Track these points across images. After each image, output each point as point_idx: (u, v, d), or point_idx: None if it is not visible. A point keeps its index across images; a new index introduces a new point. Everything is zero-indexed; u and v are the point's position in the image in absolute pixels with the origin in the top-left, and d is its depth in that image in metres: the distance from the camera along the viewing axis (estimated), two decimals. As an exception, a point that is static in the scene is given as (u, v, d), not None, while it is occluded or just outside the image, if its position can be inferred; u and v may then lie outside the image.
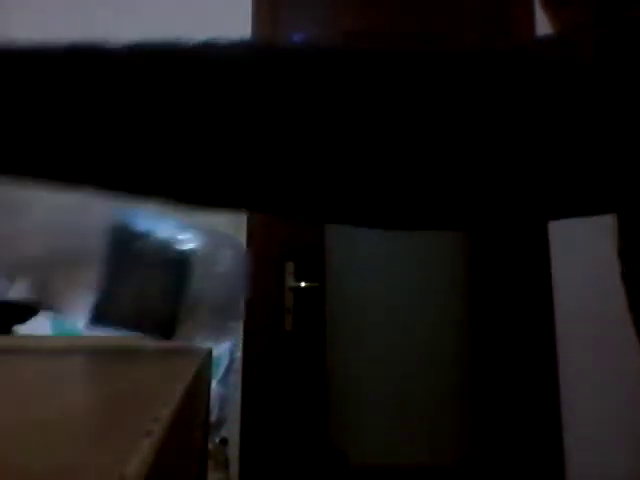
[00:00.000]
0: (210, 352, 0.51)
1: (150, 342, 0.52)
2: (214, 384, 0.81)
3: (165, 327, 0.50)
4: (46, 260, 0.56)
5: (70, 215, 0.57)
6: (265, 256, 1.82)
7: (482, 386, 1.87)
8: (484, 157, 0.30)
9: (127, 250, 0.56)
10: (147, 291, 0.54)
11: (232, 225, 1.83)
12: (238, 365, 1.72)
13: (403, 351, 1.88)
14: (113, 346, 0.47)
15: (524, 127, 0.29)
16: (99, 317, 0.50)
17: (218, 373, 0.84)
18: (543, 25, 2.16)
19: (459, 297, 1.92)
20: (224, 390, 0.84)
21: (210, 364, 0.54)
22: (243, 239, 1.83)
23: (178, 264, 0.57)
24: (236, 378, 1.71)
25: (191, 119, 0.29)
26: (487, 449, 1.84)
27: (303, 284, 1.83)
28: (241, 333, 1.75)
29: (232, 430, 1.65)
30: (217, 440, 0.84)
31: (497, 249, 1.93)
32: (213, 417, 0.80)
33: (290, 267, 1.84)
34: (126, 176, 0.31)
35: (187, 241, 0.58)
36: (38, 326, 0.87)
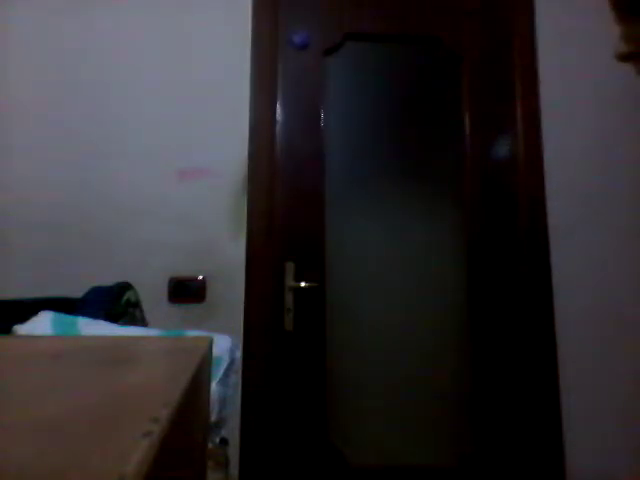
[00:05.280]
0: (210, 351, 0.51)
1: (150, 342, 0.52)
2: (214, 384, 0.81)
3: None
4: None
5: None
6: (265, 256, 1.82)
7: (482, 386, 1.87)
8: None
9: None
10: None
11: (233, 226, 1.84)
12: (238, 365, 1.72)
13: (403, 351, 1.88)
14: (113, 346, 0.47)
15: None
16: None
17: (218, 373, 0.83)
18: (543, 25, 2.17)
19: (459, 298, 1.92)
20: (224, 390, 0.84)
21: (210, 364, 0.54)
22: (243, 239, 1.83)
23: None
24: (236, 378, 1.71)
25: None
26: (488, 450, 1.84)
27: (303, 284, 1.83)
28: (241, 333, 1.76)
29: (232, 430, 1.65)
30: (217, 440, 0.84)
31: (497, 250, 1.93)
32: (213, 417, 0.80)
33: (290, 267, 1.84)
34: None
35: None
36: (38, 326, 0.87)
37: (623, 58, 0.60)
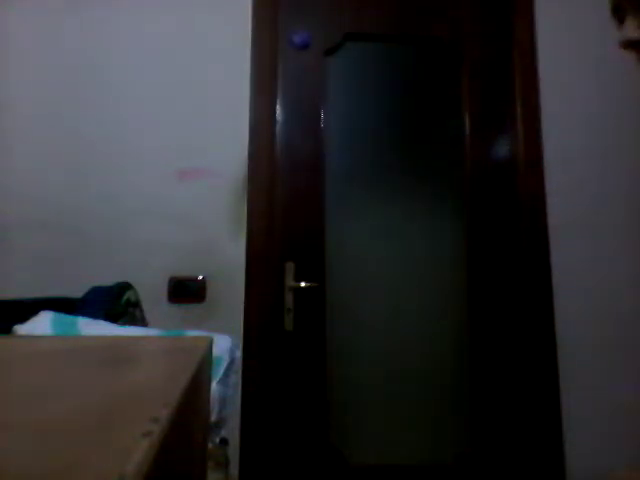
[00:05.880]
0: (210, 351, 0.51)
1: (150, 342, 0.52)
2: (214, 384, 0.81)
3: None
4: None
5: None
6: (265, 256, 1.82)
7: (482, 386, 1.87)
8: None
9: None
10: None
11: (233, 226, 1.84)
12: (238, 365, 1.72)
13: (403, 351, 1.88)
14: (113, 346, 0.47)
15: None
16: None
17: (218, 373, 0.83)
18: (543, 25, 2.17)
19: (459, 298, 1.92)
20: (224, 390, 0.84)
21: (210, 364, 0.54)
22: (243, 239, 1.83)
23: None
24: (236, 378, 1.71)
25: None
26: (488, 450, 1.84)
27: (303, 284, 1.83)
28: (241, 333, 1.76)
29: (232, 430, 1.65)
30: (217, 440, 0.84)
31: (497, 250, 1.93)
32: (213, 417, 0.80)
33: (290, 267, 1.84)
34: None
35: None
36: (38, 326, 0.87)
37: (628, 46, 0.65)
